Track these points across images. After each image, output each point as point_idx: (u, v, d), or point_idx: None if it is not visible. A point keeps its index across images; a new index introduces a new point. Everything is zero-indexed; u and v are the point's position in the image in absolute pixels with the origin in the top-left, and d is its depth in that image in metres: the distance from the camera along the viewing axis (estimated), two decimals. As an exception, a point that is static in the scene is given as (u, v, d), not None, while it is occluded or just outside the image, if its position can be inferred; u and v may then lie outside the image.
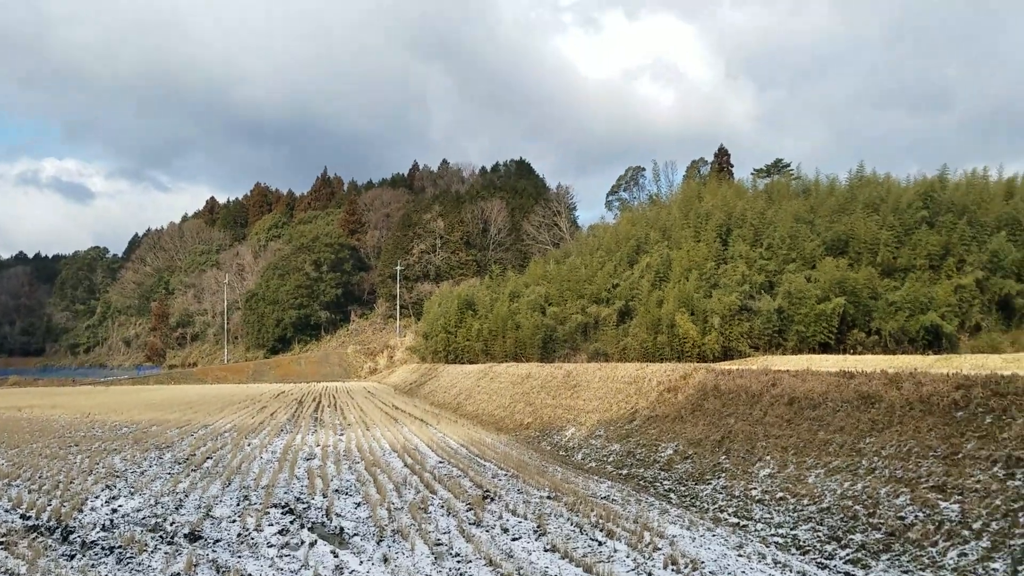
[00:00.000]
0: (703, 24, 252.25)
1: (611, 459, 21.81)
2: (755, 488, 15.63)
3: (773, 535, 12.75)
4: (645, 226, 54.93)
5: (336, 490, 15.62)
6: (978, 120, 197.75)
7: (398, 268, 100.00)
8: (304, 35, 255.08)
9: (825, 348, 38.83)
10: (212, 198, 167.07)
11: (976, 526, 10.50)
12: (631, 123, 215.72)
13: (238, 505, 13.91)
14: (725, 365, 28.52)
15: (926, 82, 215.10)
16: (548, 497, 15.20)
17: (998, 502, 10.80)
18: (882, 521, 11.71)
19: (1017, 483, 11.01)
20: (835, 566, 10.98)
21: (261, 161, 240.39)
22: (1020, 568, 9.37)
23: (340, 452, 22.05)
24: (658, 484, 18.10)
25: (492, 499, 14.73)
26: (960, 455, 12.32)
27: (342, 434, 27.43)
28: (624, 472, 20.02)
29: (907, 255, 42.57)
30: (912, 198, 45.97)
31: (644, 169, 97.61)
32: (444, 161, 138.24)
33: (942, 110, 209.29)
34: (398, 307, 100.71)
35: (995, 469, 11.52)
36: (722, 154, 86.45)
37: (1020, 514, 10.39)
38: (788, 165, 78.29)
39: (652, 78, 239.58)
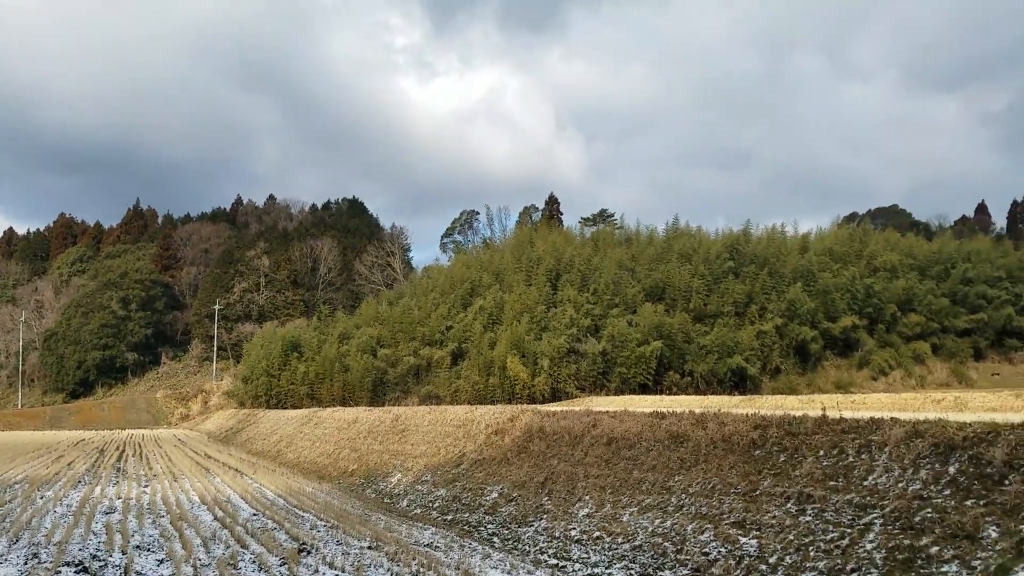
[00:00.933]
0: (534, 75, 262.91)
1: (436, 505, 21.49)
2: (574, 528, 15.91)
3: (589, 575, 12.97)
4: (479, 269, 55.62)
5: (137, 546, 14.26)
6: (776, 179, 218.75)
7: (216, 307, 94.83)
8: (120, 60, 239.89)
9: (644, 389, 40.78)
10: (10, 228, 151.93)
11: (772, 560, 11.19)
12: (466, 167, 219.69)
13: (26, 564, 12.39)
14: (551, 407, 29.13)
15: (731, 143, 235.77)
16: (369, 547, 14.67)
17: (791, 537, 11.57)
18: (688, 557, 12.23)
19: (808, 518, 11.88)
20: (647, 604, 11.28)
21: (67, 190, 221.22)
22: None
23: (143, 505, 20.28)
24: (482, 528, 17.99)
25: (309, 552, 14.00)
26: (758, 492, 13.16)
27: (147, 486, 25.31)
28: (449, 518, 19.77)
29: (716, 302, 45.86)
30: (720, 250, 49.71)
31: (478, 213, 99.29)
32: (271, 196, 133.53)
33: (745, 169, 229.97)
34: (215, 348, 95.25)
35: (788, 505, 12.38)
36: (552, 202, 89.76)
37: (810, 548, 11.19)
38: (612, 215, 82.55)
39: (487, 123, 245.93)
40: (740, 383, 42.18)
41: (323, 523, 17.81)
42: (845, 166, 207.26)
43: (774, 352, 44.45)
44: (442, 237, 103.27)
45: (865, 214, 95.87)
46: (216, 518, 18.16)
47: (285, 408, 55.40)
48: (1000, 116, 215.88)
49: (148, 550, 14.05)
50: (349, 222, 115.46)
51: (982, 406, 22.11)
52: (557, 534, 15.97)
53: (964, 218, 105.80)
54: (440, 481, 23.58)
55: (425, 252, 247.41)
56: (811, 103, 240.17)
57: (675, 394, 38.53)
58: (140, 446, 46.63)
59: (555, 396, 40.01)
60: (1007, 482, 10.25)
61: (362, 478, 28.11)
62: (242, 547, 14.40)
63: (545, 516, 17.34)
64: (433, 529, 18.02)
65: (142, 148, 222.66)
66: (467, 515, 19.58)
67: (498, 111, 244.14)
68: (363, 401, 47.73)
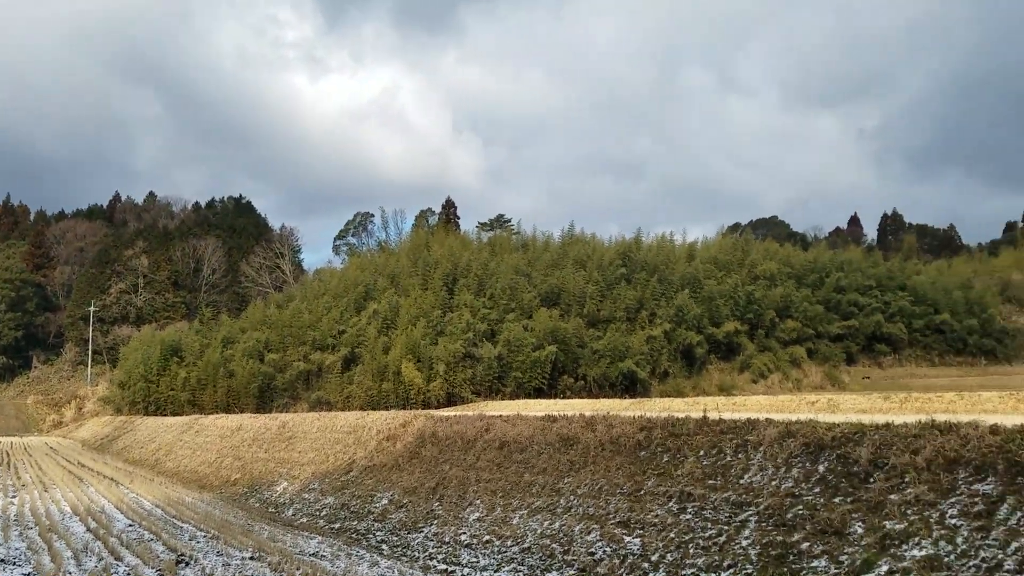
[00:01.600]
0: (430, 76, 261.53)
1: (324, 513, 20.93)
2: (465, 533, 15.83)
3: (478, 580, 12.93)
4: (374, 272, 54.76)
5: (1, 560, 13.22)
6: (666, 188, 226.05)
7: (92, 309, 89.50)
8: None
9: (539, 393, 41.17)
10: None
11: (654, 558, 11.45)
12: (360, 168, 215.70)
13: None
14: (445, 412, 28.95)
15: (625, 151, 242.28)
16: (251, 558, 14.10)
17: (672, 535, 11.88)
18: (575, 558, 12.37)
19: (688, 516, 12.23)
20: (534, 607, 11.32)
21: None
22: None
23: (10, 517, 18.86)
24: (371, 535, 17.65)
25: (187, 563, 13.34)
26: (642, 492, 13.47)
27: (14, 496, 23.59)
28: (337, 526, 19.29)
29: (609, 308, 46.87)
30: (613, 256, 50.88)
31: (373, 215, 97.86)
32: (151, 194, 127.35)
33: (638, 178, 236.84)
34: (90, 352, 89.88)
35: (670, 504, 12.71)
36: (449, 206, 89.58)
37: (690, 546, 11.51)
38: (509, 220, 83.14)
39: (380, 123, 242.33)
40: (631, 386, 43.22)
41: (203, 534, 17.02)
42: (730, 177, 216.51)
43: (663, 356, 45.81)
44: (335, 239, 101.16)
45: (747, 224, 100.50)
46: (89, 529, 17.09)
47: (165, 415, 52.80)
48: (873, 133, 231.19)
49: (14, 564, 13.10)
50: (235, 221, 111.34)
51: (853, 408, 23.42)
52: (447, 539, 15.84)
53: (838, 229, 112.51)
54: (328, 489, 23.00)
55: (317, 254, 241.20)
56: (699, 115, 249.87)
57: (569, 398, 39.07)
58: (8, 454, 43.38)
59: (450, 401, 39.81)
60: (872, 480, 10.84)
61: (246, 487, 27.09)
62: (116, 559, 13.59)
63: (435, 521, 17.18)
64: (320, 538, 17.53)
65: (13, 140, 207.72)
66: (356, 523, 19.16)
67: (392, 111, 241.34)
68: (249, 408, 46.06)
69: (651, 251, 54.22)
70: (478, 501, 17.12)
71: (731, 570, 10.48)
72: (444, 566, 14.11)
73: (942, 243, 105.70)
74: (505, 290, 46.85)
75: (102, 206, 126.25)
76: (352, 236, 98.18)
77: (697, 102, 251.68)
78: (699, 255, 56.15)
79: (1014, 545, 8.35)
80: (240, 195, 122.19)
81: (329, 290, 56.19)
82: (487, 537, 15.02)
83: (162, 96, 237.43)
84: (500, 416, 21.66)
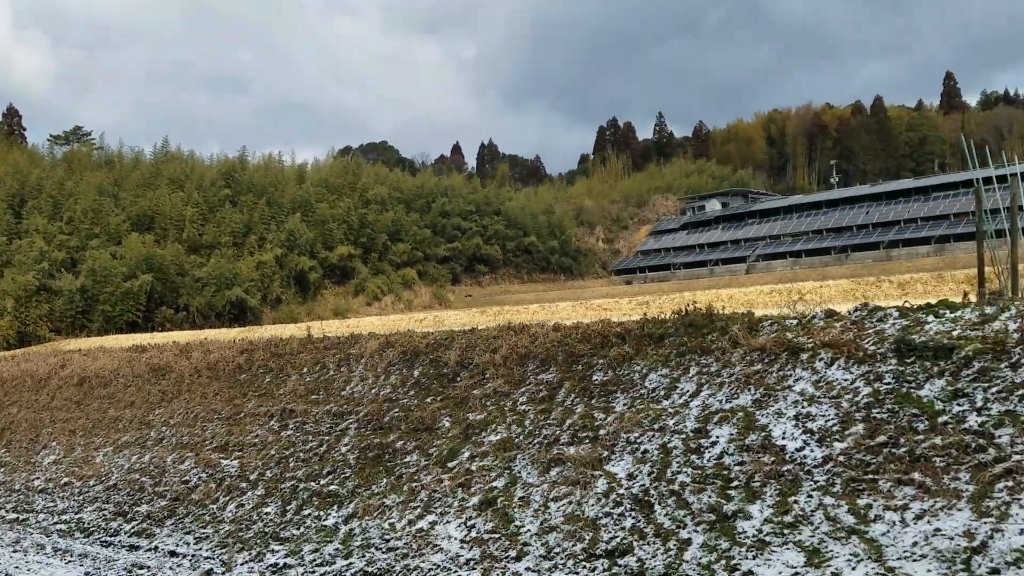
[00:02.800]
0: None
1: None
2: (39, 478, 13.95)
3: (56, 523, 11.53)
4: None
5: None
6: (272, 107, 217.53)
7: None
8: None
9: (134, 327, 37.39)
10: None
11: (252, 477, 11.16)
12: None
13: None
14: (15, 352, 24.84)
15: (226, 65, 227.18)
16: None
17: (273, 452, 11.68)
18: (168, 488, 11.57)
19: (289, 432, 12.11)
20: (120, 541, 10.48)
21: None
22: (289, 507, 10.25)
23: None
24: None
25: None
26: (242, 414, 12.99)
27: None
28: None
29: (212, 232, 44.05)
30: (215, 177, 47.72)
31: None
32: None
33: (240, 94, 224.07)
34: None
35: (271, 423, 12.46)
36: (12, 115, 75.33)
37: (291, 460, 11.42)
38: (90, 134, 72.53)
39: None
40: (240, 315, 41.51)
41: None
42: (340, 99, 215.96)
43: (275, 282, 44.70)
44: None
45: (358, 148, 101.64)
46: None
47: None
48: (470, 64, 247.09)
49: None
50: None
51: (456, 323, 25.30)
52: (17, 487, 13.82)
53: (443, 157, 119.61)
54: None
55: None
56: (306, 33, 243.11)
57: (169, 330, 36.19)
58: None
59: (24, 341, 34.27)
60: (459, 379, 11.76)
61: None
62: None
63: (3, 469, 14.87)
64: None
65: None
66: None
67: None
68: None
69: (258, 172, 52.00)
70: (54, 443, 15.11)
71: (330, 476, 10.67)
72: (15, 515, 12.28)
73: (530, 172, 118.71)
74: (87, 213, 41.28)
75: None
76: None
77: (304, 18, 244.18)
78: (310, 178, 55.37)
79: (568, 421, 9.68)
80: None
81: None
82: (65, 480, 13.34)
83: None
84: (78, 351, 19.17)
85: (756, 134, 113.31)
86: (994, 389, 6.95)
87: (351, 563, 8.39)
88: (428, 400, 11.63)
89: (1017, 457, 6.16)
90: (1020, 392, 6.78)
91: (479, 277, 63.96)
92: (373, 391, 12.53)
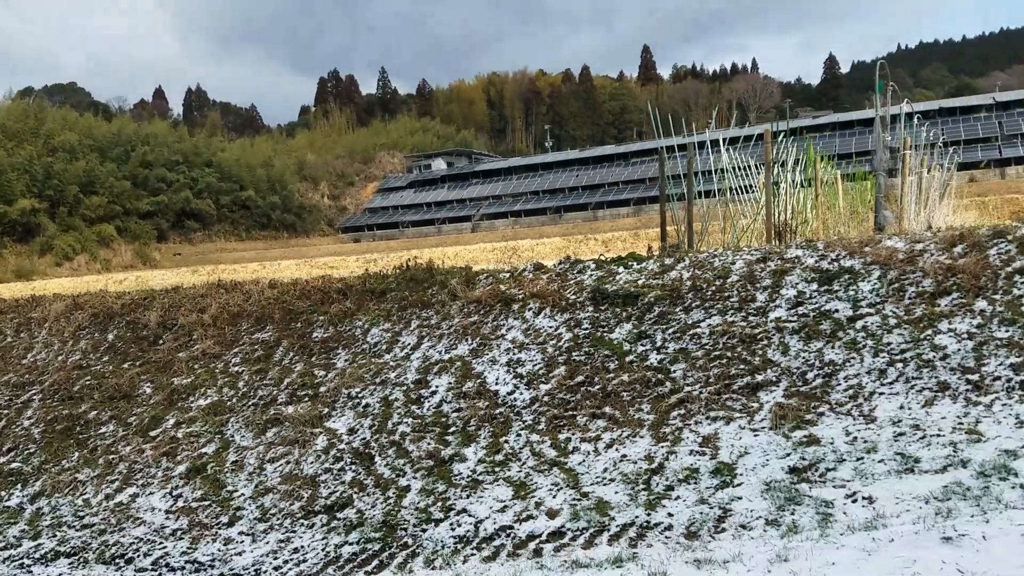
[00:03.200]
0: None
1: None
2: None
3: None
4: None
5: None
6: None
7: None
8: None
9: None
10: None
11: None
12: None
13: None
14: None
15: None
16: None
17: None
18: None
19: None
20: None
21: None
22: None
23: None
24: None
25: None
26: None
27: None
28: None
29: None
30: None
31: None
32: None
33: None
34: None
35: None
36: None
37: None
38: None
39: None
40: None
41: None
42: (19, 33, 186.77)
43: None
44: None
45: (41, 89, 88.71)
46: None
47: None
48: (173, 4, 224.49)
49: None
50: None
51: (162, 283, 23.16)
52: None
53: (143, 102, 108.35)
54: None
55: None
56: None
57: None
58: None
59: None
60: (161, 342, 10.86)
61: None
62: None
63: None
64: None
65: None
66: None
67: None
68: None
69: None
70: None
71: (12, 453, 9.40)
72: None
73: (245, 122, 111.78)
74: None
75: None
76: None
77: None
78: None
79: (286, 381, 9.36)
80: None
81: None
82: None
83: None
84: None
85: (477, 96, 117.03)
86: (671, 330, 7.90)
87: (40, 544, 7.48)
88: (125, 366, 10.61)
89: (688, 388, 7.07)
90: (691, 332, 7.78)
91: (190, 234, 59.12)
92: (60, 358, 11.18)
